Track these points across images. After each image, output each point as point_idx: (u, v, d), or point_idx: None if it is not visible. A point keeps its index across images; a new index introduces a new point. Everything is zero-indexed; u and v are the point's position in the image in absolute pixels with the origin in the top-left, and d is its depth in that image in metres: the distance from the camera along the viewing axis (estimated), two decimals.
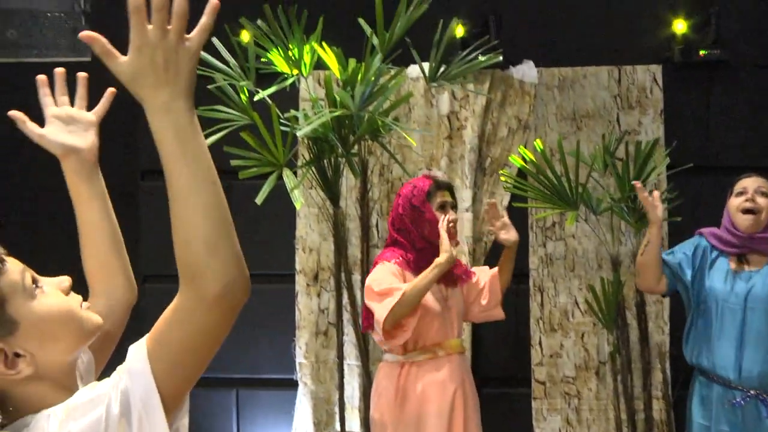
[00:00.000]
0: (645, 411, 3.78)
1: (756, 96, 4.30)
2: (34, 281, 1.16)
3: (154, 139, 1.04)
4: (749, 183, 2.91)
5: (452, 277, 3.00)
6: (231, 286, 1.06)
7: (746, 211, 2.86)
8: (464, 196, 4.23)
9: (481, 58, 3.80)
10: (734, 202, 2.92)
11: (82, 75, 1.47)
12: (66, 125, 1.43)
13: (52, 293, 1.17)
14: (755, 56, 4.31)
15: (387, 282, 2.76)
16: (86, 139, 1.44)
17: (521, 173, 3.96)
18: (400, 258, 2.88)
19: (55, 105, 1.44)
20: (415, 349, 2.90)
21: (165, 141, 1.03)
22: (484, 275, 3.13)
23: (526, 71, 4.32)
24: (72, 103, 1.47)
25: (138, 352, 1.06)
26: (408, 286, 2.73)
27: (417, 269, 2.86)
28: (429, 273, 2.74)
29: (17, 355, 1.10)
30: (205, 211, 1.04)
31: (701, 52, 4.22)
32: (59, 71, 1.45)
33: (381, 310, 2.71)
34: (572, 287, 4.21)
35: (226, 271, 1.05)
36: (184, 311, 1.06)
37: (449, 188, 3.01)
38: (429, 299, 2.85)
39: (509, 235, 3.02)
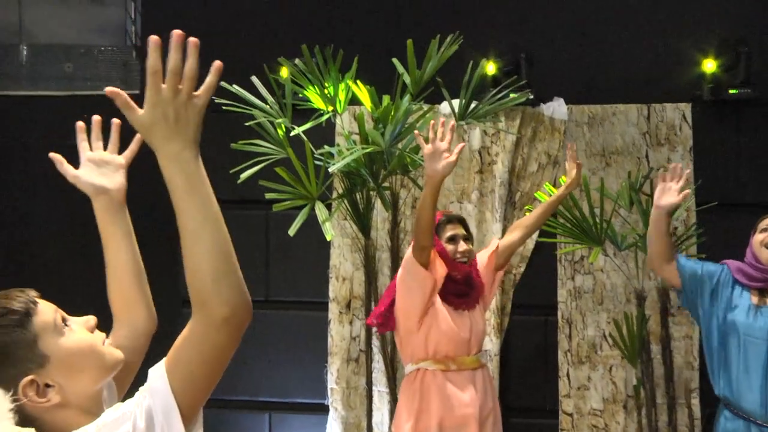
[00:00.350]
0: None
1: None
2: (64, 320, 1.31)
3: (167, 184, 1.18)
4: None
5: (475, 297, 3.13)
6: (236, 309, 1.18)
7: None
8: (494, 229, 4.34)
9: (513, 95, 3.94)
10: (758, 238, 3.00)
11: (115, 122, 1.60)
12: (98, 167, 1.59)
13: (79, 331, 1.32)
14: None
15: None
16: (115, 180, 1.59)
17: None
18: None
19: (90, 149, 1.60)
20: (427, 358, 3.04)
21: (175, 185, 1.17)
22: (485, 257, 3.26)
23: (557, 108, 4.43)
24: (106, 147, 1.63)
25: (158, 373, 1.19)
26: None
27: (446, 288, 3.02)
28: (423, 191, 2.85)
29: (47, 386, 1.24)
30: (211, 246, 1.17)
31: (731, 91, 4.29)
32: (96, 120, 1.60)
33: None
34: (600, 320, 4.27)
35: (232, 296, 1.17)
36: (197, 333, 1.19)
37: (461, 221, 3.15)
38: (447, 319, 3.01)
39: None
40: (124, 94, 1.19)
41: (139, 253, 1.63)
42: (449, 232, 3.06)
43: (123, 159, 1.62)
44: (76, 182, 1.58)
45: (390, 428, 4.00)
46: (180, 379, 1.18)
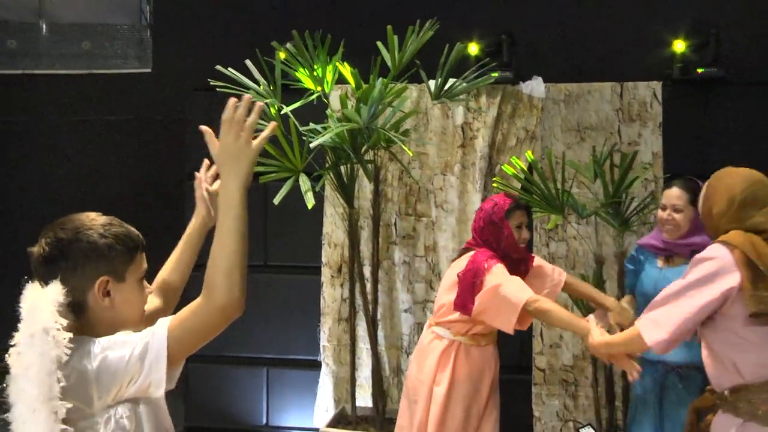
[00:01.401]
0: (623, 394, 4.16)
1: (750, 111, 4.62)
2: (144, 278, 1.81)
3: (219, 201, 1.66)
4: (668, 200, 3.28)
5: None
6: (233, 302, 1.62)
7: (665, 224, 3.28)
8: (474, 199, 4.68)
9: (494, 74, 4.27)
10: (658, 214, 3.33)
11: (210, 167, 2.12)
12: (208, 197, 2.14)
13: (145, 294, 1.82)
14: (750, 74, 4.63)
15: (518, 282, 3.17)
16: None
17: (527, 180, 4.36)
18: (492, 256, 3.26)
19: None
20: (465, 335, 3.36)
21: (221, 203, 1.64)
22: (554, 274, 3.53)
23: (535, 86, 4.72)
24: None
25: (164, 323, 1.64)
26: (563, 311, 3.09)
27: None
28: (576, 325, 3.01)
29: (109, 293, 1.69)
30: (232, 251, 1.62)
31: (699, 70, 4.56)
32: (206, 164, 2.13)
33: (522, 295, 3.08)
34: None
35: (233, 292, 1.62)
36: (199, 309, 1.63)
37: (527, 209, 3.41)
38: None
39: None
40: (211, 133, 1.70)
41: (198, 248, 2.18)
42: (518, 219, 3.32)
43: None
44: (204, 200, 2.14)
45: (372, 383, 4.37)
46: (175, 336, 1.62)
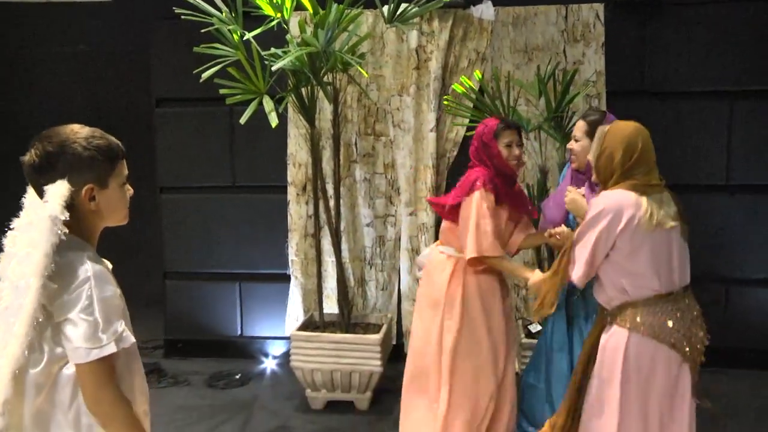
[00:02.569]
0: None
1: (683, 31, 4.92)
2: (126, 182, 1.96)
3: None
4: (574, 131, 3.46)
5: (519, 216, 3.61)
6: None
7: (571, 154, 3.49)
8: (429, 118, 4.97)
9: None
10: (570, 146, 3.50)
11: None
12: None
13: (127, 196, 1.96)
14: None
15: (491, 232, 3.34)
16: None
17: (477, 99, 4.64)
18: (486, 177, 3.40)
19: None
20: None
21: None
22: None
23: (485, 10, 4.97)
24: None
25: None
26: (506, 261, 3.42)
27: (498, 188, 3.45)
28: (517, 270, 3.43)
29: (94, 198, 1.86)
30: None
31: None
32: None
33: (480, 247, 3.32)
34: None
35: None
36: None
37: (517, 128, 3.51)
38: (502, 220, 3.49)
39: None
40: None
41: None
42: (508, 138, 3.43)
43: None
44: None
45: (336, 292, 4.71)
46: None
